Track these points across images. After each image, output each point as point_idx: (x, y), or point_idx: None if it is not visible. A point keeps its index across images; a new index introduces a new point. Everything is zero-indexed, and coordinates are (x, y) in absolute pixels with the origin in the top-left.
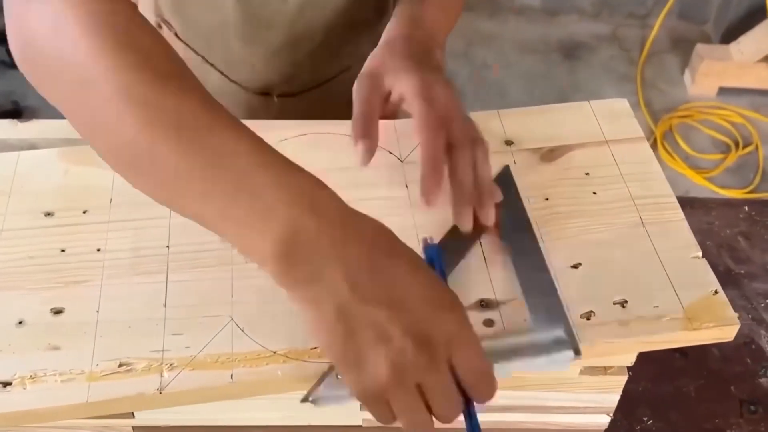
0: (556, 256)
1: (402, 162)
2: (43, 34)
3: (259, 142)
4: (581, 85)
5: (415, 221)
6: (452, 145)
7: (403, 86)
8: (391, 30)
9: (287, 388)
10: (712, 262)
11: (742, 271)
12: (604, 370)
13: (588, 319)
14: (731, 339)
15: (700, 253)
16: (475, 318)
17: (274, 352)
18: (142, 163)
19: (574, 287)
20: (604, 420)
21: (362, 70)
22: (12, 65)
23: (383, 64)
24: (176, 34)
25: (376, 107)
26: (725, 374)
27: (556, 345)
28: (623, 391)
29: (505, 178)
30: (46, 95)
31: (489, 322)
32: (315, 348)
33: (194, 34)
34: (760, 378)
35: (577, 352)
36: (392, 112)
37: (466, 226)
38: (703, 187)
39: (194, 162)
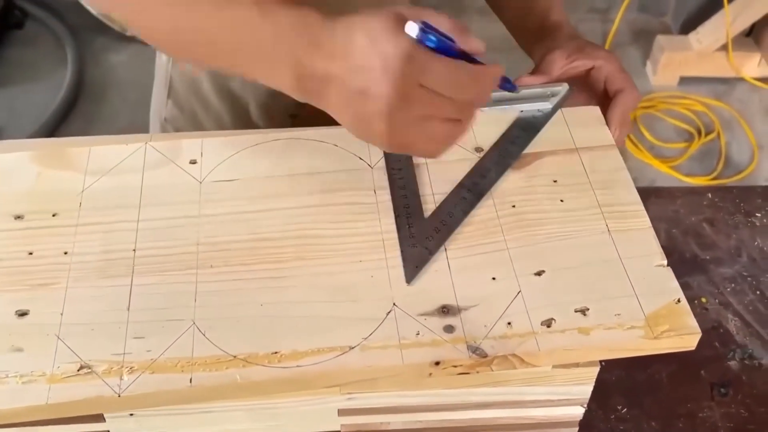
0: (519, 264)
1: (371, 168)
2: None
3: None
4: None
5: (382, 227)
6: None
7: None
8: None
9: (246, 394)
10: (678, 249)
11: (708, 257)
12: (576, 362)
13: (548, 326)
14: (693, 348)
15: (665, 262)
16: (436, 323)
17: (234, 357)
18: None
19: (537, 294)
20: (579, 411)
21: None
22: None
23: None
24: None
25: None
26: (695, 359)
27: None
28: (597, 381)
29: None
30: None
31: (449, 329)
32: (275, 353)
33: None
34: (728, 361)
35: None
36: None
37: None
38: (668, 175)
39: (221, 37)
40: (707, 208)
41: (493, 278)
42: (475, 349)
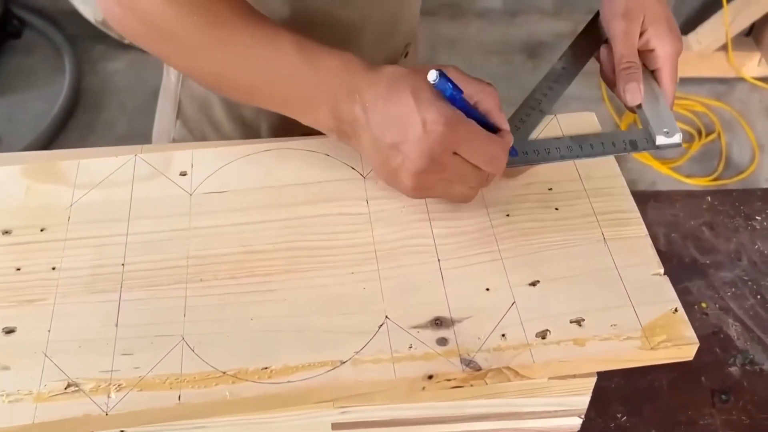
0: (513, 274)
1: (364, 177)
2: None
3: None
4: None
5: (374, 237)
6: None
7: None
8: None
9: (235, 410)
10: (678, 254)
11: (708, 261)
12: (573, 374)
13: (543, 338)
14: (690, 358)
15: (661, 270)
16: (429, 336)
17: (224, 373)
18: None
19: (531, 305)
20: (576, 422)
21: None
22: None
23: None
24: None
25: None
26: (696, 365)
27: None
28: (596, 389)
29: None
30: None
31: (442, 341)
32: (266, 368)
33: None
34: (729, 367)
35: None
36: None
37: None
38: (668, 177)
39: (263, 80)
40: (707, 211)
41: (487, 289)
42: (468, 362)
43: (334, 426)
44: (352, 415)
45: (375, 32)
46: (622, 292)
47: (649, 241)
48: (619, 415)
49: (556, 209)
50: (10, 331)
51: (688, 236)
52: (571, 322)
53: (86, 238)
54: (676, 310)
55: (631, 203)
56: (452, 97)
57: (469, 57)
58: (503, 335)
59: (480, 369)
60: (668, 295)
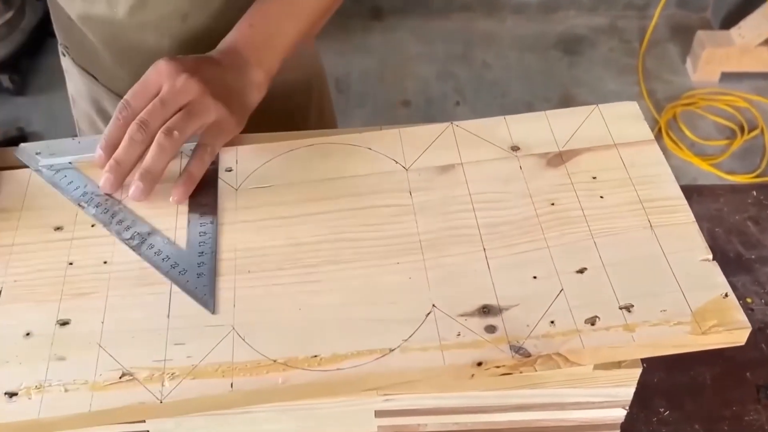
0: (560, 261)
1: (406, 170)
2: None
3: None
4: (582, 79)
5: (418, 228)
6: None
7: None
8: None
9: (287, 397)
10: (722, 249)
11: (753, 256)
12: (618, 363)
13: (592, 324)
14: (742, 343)
15: (710, 256)
16: (477, 324)
17: (274, 361)
18: None
19: (579, 292)
20: (621, 413)
21: None
22: (16, 92)
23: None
24: (73, 60)
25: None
26: (740, 361)
27: None
28: (638, 383)
29: None
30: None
31: (491, 329)
32: (315, 356)
33: (88, 60)
34: None
35: None
36: None
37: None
38: (710, 173)
39: None
40: (751, 206)
41: (534, 277)
42: (518, 349)
43: (377, 413)
44: (396, 403)
45: None
46: (670, 278)
47: (696, 227)
48: (661, 410)
49: (601, 197)
50: (64, 323)
51: (732, 231)
52: (620, 308)
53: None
54: (726, 295)
55: (677, 190)
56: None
57: (505, 52)
58: (552, 322)
59: (530, 355)
60: (718, 280)
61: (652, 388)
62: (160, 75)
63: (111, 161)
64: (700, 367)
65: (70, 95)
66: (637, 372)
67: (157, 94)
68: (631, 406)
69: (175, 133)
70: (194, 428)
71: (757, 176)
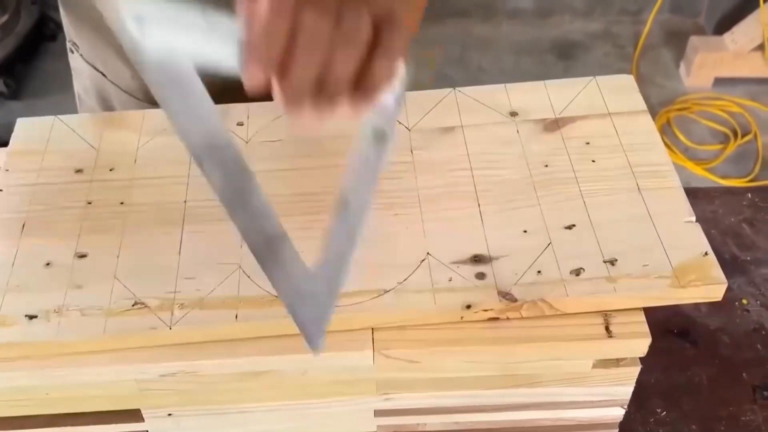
0: (550, 217)
1: (409, 130)
2: None
3: None
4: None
5: (417, 183)
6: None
7: None
8: None
9: (289, 329)
10: (717, 250)
11: (749, 258)
12: (617, 362)
13: (577, 274)
14: (719, 299)
15: (693, 218)
16: (468, 271)
17: (277, 296)
18: None
19: (566, 246)
20: (619, 412)
21: None
22: (10, 97)
23: None
24: (82, 56)
25: None
26: (736, 361)
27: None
28: (636, 383)
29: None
30: None
31: (481, 275)
32: None
33: (97, 57)
34: None
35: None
36: None
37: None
38: (704, 177)
39: None
40: (747, 208)
41: (525, 231)
42: (505, 295)
43: (377, 413)
44: (396, 402)
45: None
46: (654, 236)
47: (681, 191)
48: (658, 410)
49: (593, 161)
50: (82, 256)
51: (727, 233)
52: (604, 262)
53: (151, 178)
54: (706, 253)
55: (666, 157)
56: None
57: (501, 57)
58: (539, 272)
59: (516, 300)
60: (699, 240)
61: (649, 388)
62: None
63: None
64: (697, 368)
65: (77, 93)
66: (636, 370)
67: None
68: (628, 406)
69: None
70: (191, 428)
71: (751, 180)
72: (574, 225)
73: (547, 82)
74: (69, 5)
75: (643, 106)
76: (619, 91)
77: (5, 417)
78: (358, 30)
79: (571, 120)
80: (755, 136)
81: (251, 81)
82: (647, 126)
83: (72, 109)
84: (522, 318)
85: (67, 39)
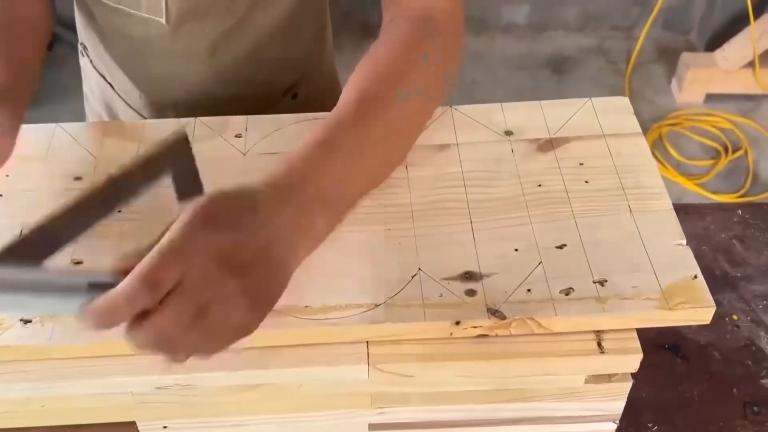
0: (542, 237)
1: None
2: None
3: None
4: (570, 98)
5: (411, 199)
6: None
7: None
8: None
9: (278, 341)
10: (708, 267)
11: (739, 274)
12: (609, 377)
13: (567, 294)
14: (707, 322)
15: (684, 241)
16: (459, 287)
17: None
18: None
19: (557, 265)
20: (611, 427)
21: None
22: None
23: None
24: (91, 62)
25: None
26: (727, 377)
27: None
28: (627, 399)
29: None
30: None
31: (471, 292)
32: (306, 306)
33: (106, 69)
34: (762, 379)
35: None
36: None
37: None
38: (695, 193)
39: None
40: (737, 224)
41: (516, 249)
42: (494, 312)
43: (371, 426)
44: (390, 416)
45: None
46: (644, 258)
47: (673, 214)
48: (650, 425)
49: (586, 182)
50: (78, 262)
51: (718, 249)
52: (594, 282)
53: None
54: (695, 276)
55: (659, 180)
56: None
57: (494, 71)
58: (529, 290)
59: (505, 318)
60: (689, 263)
61: (641, 403)
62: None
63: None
64: (688, 383)
65: (85, 92)
66: (627, 386)
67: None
68: (620, 422)
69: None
70: None
71: (742, 196)
72: (565, 245)
73: (543, 102)
74: (84, 13)
75: (637, 128)
76: (615, 112)
77: (2, 429)
78: (214, 332)
79: (566, 140)
80: (746, 152)
81: (90, 328)
82: (641, 148)
83: (71, 118)
84: (511, 335)
85: (79, 41)
